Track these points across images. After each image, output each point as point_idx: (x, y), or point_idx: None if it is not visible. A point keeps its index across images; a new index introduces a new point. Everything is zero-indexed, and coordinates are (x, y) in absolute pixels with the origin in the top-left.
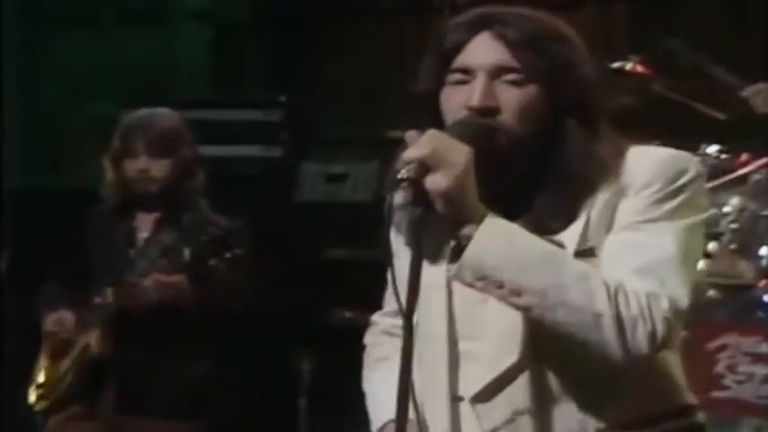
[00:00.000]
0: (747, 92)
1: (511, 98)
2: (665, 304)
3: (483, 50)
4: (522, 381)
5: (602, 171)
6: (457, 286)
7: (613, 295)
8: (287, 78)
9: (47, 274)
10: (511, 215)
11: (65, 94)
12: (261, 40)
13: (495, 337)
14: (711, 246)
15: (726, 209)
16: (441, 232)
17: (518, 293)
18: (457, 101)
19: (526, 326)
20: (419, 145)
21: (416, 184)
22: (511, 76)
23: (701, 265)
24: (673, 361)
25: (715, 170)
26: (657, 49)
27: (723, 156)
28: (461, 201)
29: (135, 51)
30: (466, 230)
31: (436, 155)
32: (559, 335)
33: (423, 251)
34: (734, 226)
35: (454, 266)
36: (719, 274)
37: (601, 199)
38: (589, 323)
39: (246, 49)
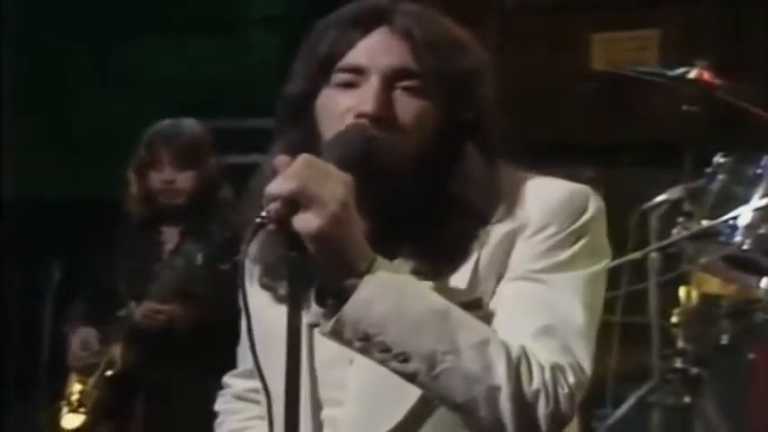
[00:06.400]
0: None
1: (407, 109)
2: (570, 378)
3: (381, 48)
4: None
5: (497, 203)
6: (320, 341)
7: (514, 367)
8: None
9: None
10: (389, 251)
11: (135, 102)
12: None
13: (362, 401)
14: None
15: None
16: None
17: (405, 359)
18: (341, 105)
19: (401, 389)
20: (285, 177)
21: (283, 225)
22: (409, 83)
23: (764, 283)
24: None
25: None
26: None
27: None
28: (339, 243)
29: (206, 59)
30: (345, 280)
31: (305, 190)
32: (448, 406)
33: (292, 299)
34: None
35: (329, 322)
36: None
37: (492, 238)
38: (483, 396)
39: None
